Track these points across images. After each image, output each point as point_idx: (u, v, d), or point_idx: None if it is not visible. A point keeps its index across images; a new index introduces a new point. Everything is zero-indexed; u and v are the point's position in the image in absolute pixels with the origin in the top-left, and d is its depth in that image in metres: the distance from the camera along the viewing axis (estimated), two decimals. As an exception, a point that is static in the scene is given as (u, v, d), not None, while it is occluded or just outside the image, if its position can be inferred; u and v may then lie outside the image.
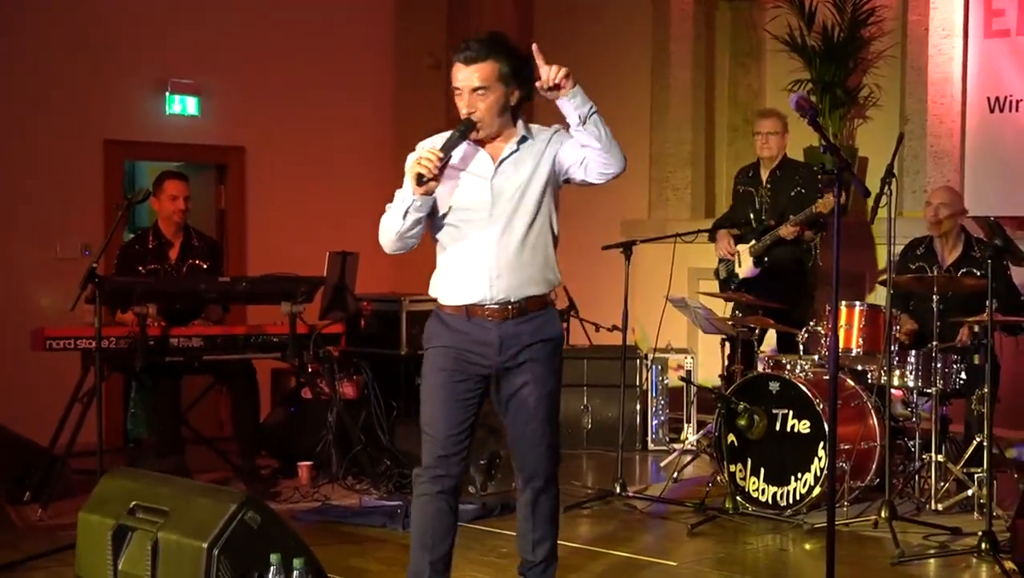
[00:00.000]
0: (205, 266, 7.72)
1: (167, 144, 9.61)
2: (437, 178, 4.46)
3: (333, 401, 7.56)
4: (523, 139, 4.64)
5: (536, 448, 4.75)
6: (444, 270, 4.73)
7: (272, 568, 4.32)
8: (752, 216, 8.01)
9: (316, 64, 10.26)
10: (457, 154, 4.58)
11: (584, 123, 4.49)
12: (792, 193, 7.86)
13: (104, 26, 9.16)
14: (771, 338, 7.98)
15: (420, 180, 4.43)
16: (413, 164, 4.45)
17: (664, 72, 10.01)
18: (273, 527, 4.66)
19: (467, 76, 4.52)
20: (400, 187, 4.56)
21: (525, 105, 4.68)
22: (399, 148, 10.81)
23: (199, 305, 7.62)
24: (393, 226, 4.59)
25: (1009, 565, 5.49)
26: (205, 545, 4.47)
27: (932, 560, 5.92)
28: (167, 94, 9.49)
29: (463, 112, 4.55)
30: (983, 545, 5.77)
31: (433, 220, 4.66)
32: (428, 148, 4.48)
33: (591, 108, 4.49)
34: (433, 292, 4.78)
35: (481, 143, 4.62)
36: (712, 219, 9.04)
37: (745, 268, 7.95)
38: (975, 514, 6.49)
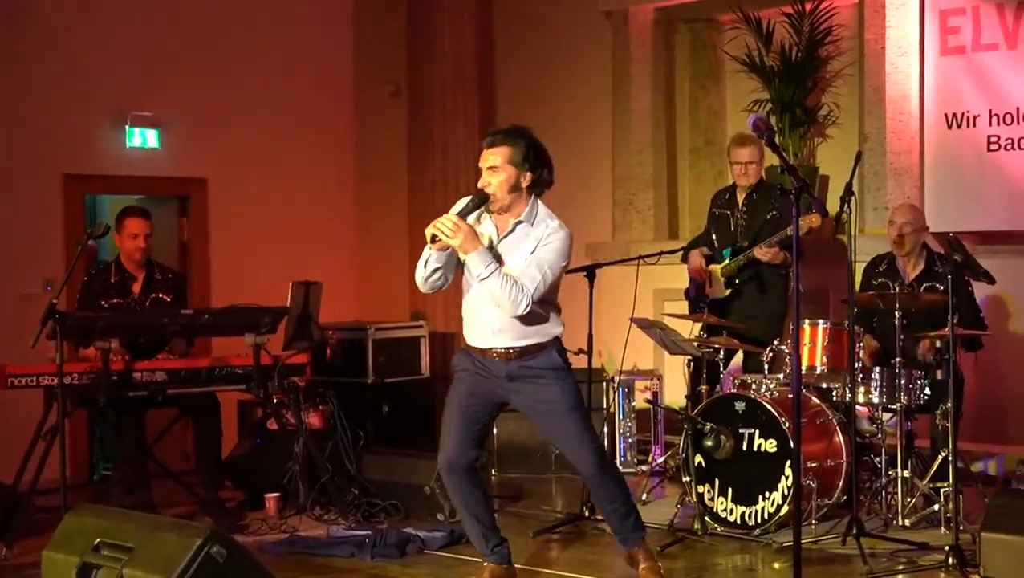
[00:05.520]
0: (169, 299, 7.68)
1: (128, 177, 9.56)
2: (449, 238, 5.33)
3: (299, 432, 7.52)
4: (520, 222, 5.53)
5: (578, 452, 5.65)
6: (464, 316, 5.72)
7: (238, 602, 4.29)
8: (720, 239, 8.00)
9: (276, 94, 10.24)
10: (474, 220, 5.50)
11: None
12: (767, 216, 7.81)
13: (62, 59, 9.12)
14: (738, 359, 8.00)
15: (433, 239, 5.37)
16: (430, 226, 5.37)
17: (625, 94, 10.02)
18: (240, 560, 4.64)
19: (484, 157, 5.53)
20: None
21: (543, 189, 5.61)
22: (361, 177, 10.88)
23: (162, 339, 7.57)
24: (418, 271, 5.59)
25: (976, 579, 5.52)
26: (170, 581, 4.45)
27: (900, 576, 5.94)
28: (127, 127, 9.44)
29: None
30: (950, 559, 5.80)
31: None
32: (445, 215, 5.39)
33: (482, 274, 5.38)
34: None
35: (496, 214, 5.56)
36: (676, 241, 9.07)
37: (716, 289, 7.95)
38: (942, 529, 6.52)
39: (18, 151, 8.95)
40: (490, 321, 5.55)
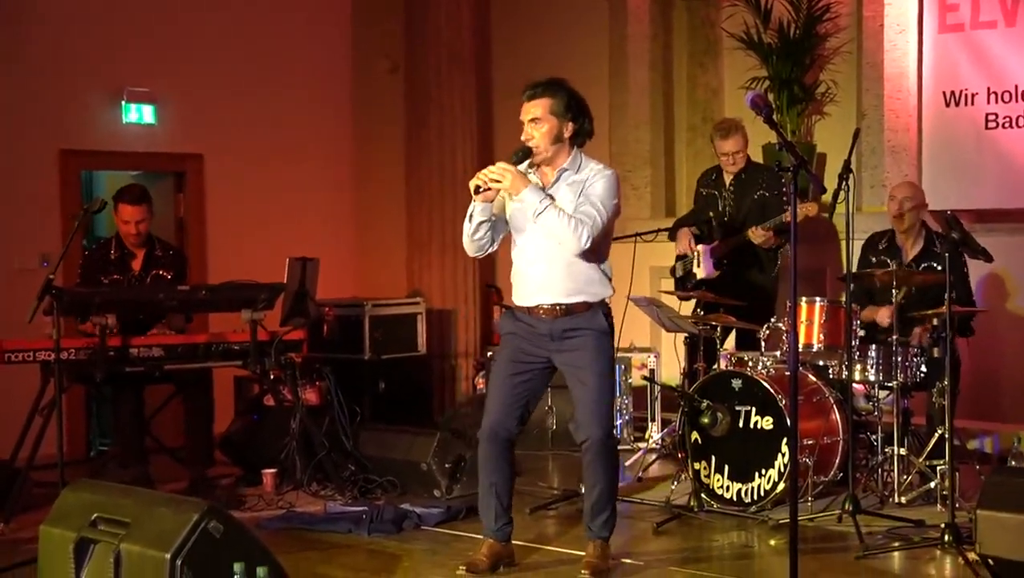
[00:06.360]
0: (169, 276, 7.65)
1: (124, 153, 9.53)
2: (491, 189, 5.38)
3: (296, 408, 7.53)
4: (564, 170, 5.52)
5: (588, 417, 5.53)
6: (513, 280, 5.69)
7: (236, 577, 4.29)
8: (715, 218, 8.00)
9: (273, 70, 10.22)
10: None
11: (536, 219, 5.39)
12: (755, 196, 7.83)
13: (58, 35, 9.09)
14: (731, 338, 7.99)
15: (477, 190, 5.39)
16: (473, 178, 5.41)
17: (622, 72, 10.00)
18: (236, 536, 4.63)
19: (526, 109, 5.50)
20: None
21: (584, 140, 5.62)
22: (357, 153, 10.87)
23: (160, 315, 7.56)
24: (465, 229, 5.58)
25: (972, 556, 5.52)
26: (168, 555, 4.43)
27: (896, 553, 5.96)
28: (123, 103, 9.41)
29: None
30: (946, 537, 5.81)
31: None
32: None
33: (538, 208, 5.36)
34: None
35: (539, 168, 5.57)
36: (672, 218, 9.06)
37: (704, 268, 7.94)
38: (938, 506, 6.53)
39: (14, 126, 8.93)
40: (538, 277, 5.53)
